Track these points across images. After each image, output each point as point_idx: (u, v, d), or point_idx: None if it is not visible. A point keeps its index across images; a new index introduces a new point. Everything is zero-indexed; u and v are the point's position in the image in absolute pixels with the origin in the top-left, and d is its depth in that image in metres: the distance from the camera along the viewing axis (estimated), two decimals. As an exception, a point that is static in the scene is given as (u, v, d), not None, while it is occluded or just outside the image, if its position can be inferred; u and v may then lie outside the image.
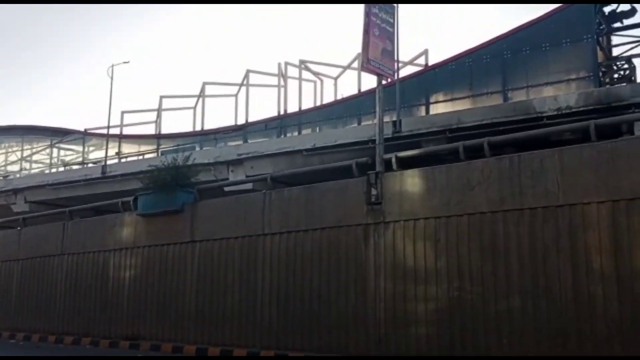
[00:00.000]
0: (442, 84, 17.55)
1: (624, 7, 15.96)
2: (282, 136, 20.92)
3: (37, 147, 29.60)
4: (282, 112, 21.58)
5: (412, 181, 11.39)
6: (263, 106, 23.05)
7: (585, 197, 9.50)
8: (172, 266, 14.50)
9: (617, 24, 16.45)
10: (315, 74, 24.02)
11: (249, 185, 16.45)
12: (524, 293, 9.78)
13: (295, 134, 20.89)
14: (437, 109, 17.02)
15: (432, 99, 17.49)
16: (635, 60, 16.41)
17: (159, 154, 22.97)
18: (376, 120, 12.67)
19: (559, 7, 15.17)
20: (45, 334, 16.32)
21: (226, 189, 16.87)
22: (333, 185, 12.50)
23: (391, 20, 13.00)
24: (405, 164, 12.01)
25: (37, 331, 16.65)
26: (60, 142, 28.40)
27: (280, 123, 21.56)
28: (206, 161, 18.82)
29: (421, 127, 15.11)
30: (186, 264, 14.25)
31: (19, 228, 19.02)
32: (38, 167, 29.04)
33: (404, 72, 17.97)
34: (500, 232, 10.14)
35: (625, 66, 16.55)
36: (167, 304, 14.33)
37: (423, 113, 17.38)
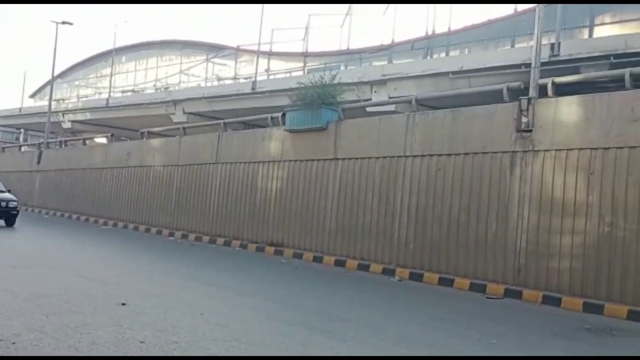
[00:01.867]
0: (610, 4, 16.01)
1: None
2: (429, 57, 20.43)
3: (194, 61, 31.56)
4: (429, 32, 20.98)
5: (568, 109, 10.75)
6: (410, 26, 22.53)
7: None
8: (315, 181, 15.15)
9: None
10: (468, -9, 22.82)
11: (392, 107, 16.44)
12: (685, 235, 9.12)
13: (443, 55, 20.30)
14: (601, 31, 15.65)
15: (597, 21, 16.10)
16: None
17: (306, 72, 23.51)
18: (533, 43, 11.96)
19: None
20: (200, 234, 17.96)
21: (368, 109, 16.99)
22: (480, 110, 12.15)
23: None
24: (561, 90, 11.34)
25: (193, 231, 18.38)
26: (215, 57, 30.06)
27: (427, 44, 21.03)
28: (350, 81, 18.99)
29: (582, 51, 14.08)
30: (328, 180, 14.80)
31: (178, 137, 20.66)
32: (195, 81, 31.08)
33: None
34: (665, 168, 9.41)
35: None
36: (310, 216, 15.11)
37: (585, 36, 16.08)
